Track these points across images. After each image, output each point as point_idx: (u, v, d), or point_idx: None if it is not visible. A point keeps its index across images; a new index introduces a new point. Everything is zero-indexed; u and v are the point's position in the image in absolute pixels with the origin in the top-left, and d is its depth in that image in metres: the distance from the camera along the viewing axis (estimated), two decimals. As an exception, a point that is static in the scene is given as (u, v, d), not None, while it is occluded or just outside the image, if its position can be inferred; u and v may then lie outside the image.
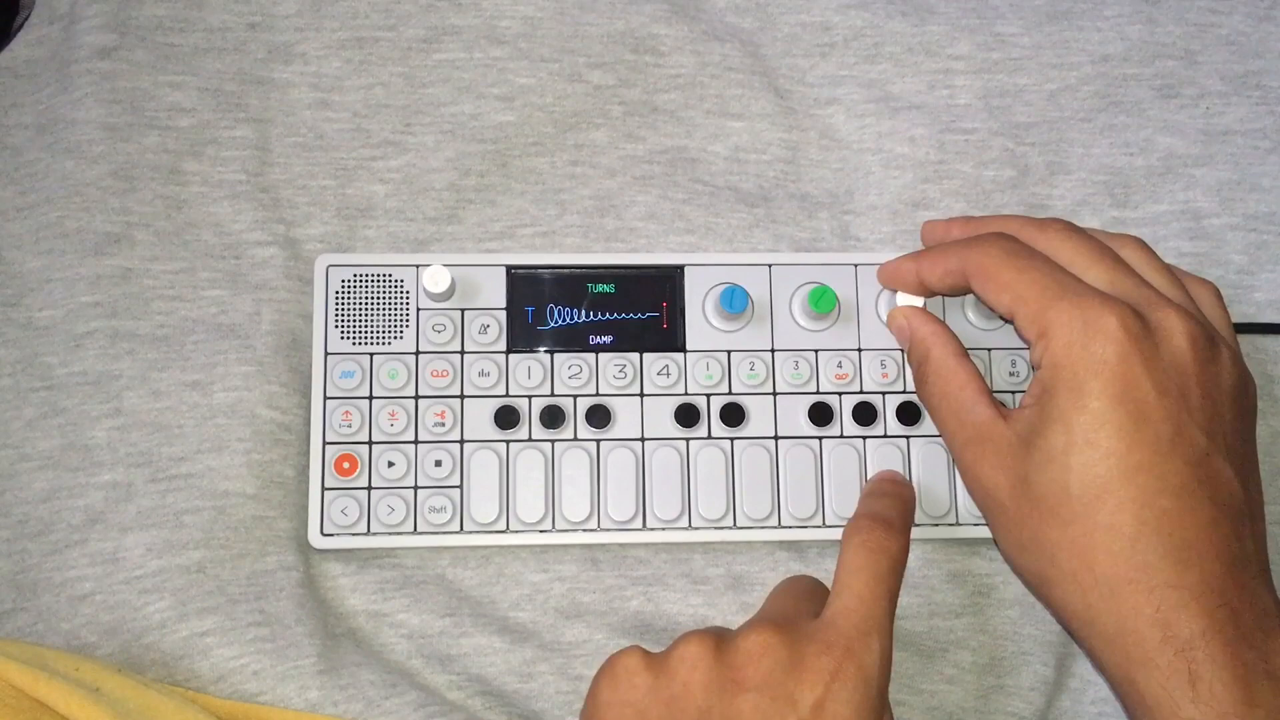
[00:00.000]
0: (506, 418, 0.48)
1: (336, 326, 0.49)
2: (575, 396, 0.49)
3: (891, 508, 0.44)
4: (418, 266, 0.49)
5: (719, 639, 0.38)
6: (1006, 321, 0.44)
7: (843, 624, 0.38)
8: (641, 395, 0.49)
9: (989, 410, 0.43)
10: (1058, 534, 0.40)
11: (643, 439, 0.48)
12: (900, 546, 0.41)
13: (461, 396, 0.48)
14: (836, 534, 0.48)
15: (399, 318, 0.49)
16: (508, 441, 0.48)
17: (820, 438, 0.49)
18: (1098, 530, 0.39)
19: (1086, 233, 0.45)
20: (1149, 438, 0.40)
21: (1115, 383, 0.40)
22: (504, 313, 0.49)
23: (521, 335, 0.49)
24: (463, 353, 0.49)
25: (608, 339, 0.49)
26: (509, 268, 0.50)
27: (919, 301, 0.48)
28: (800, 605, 0.41)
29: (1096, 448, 0.40)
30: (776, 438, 0.49)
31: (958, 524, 0.48)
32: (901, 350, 0.49)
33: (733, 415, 0.49)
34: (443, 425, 0.48)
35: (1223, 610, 0.38)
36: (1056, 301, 0.41)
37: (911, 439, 0.49)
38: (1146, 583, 0.39)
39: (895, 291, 0.49)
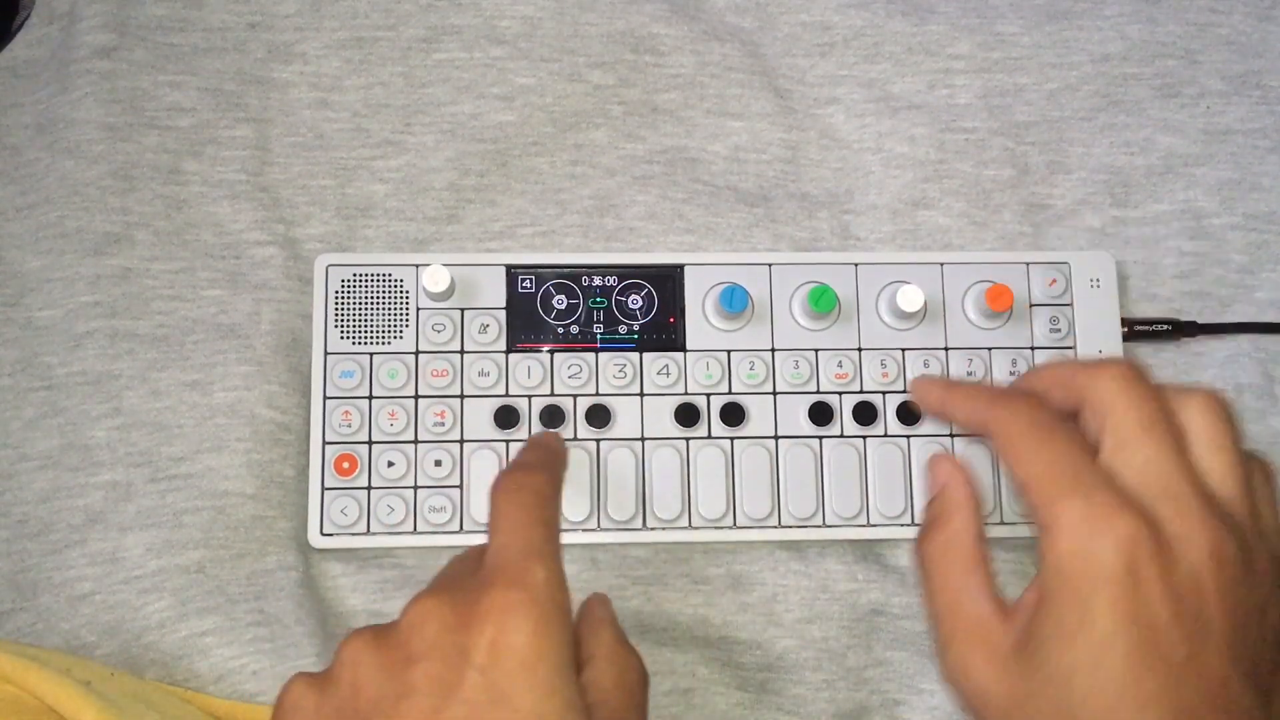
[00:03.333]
0: (506, 417, 0.48)
1: (336, 326, 0.49)
2: (575, 396, 0.49)
3: (529, 454, 0.41)
4: (417, 266, 0.49)
5: (378, 628, 0.35)
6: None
7: (500, 560, 0.35)
8: (641, 395, 0.49)
9: (990, 604, 0.40)
10: None
11: (643, 439, 0.48)
12: (542, 479, 0.38)
13: (461, 396, 0.48)
14: (837, 534, 0.48)
15: (399, 317, 0.49)
16: (507, 441, 0.48)
17: (820, 437, 0.49)
18: None
19: (1148, 385, 0.39)
20: (1159, 665, 0.36)
21: (1122, 602, 0.36)
22: (504, 312, 0.49)
23: (521, 335, 0.49)
24: (462, 352, 0.49)
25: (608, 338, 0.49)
26: (509, 267, 0.50)
27: None
28: (460, 569, 0.38)
29: (1102, 671, 0.37)
30: (776, 437, 0.49)
31: (958, 524, 0.48)
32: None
33: (733, 415, 0.49)
34: (442, 425, 0.48)
35: None
36: (1066, 497, 0.38)
37: (912, 439, 0.49)
38: None
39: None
